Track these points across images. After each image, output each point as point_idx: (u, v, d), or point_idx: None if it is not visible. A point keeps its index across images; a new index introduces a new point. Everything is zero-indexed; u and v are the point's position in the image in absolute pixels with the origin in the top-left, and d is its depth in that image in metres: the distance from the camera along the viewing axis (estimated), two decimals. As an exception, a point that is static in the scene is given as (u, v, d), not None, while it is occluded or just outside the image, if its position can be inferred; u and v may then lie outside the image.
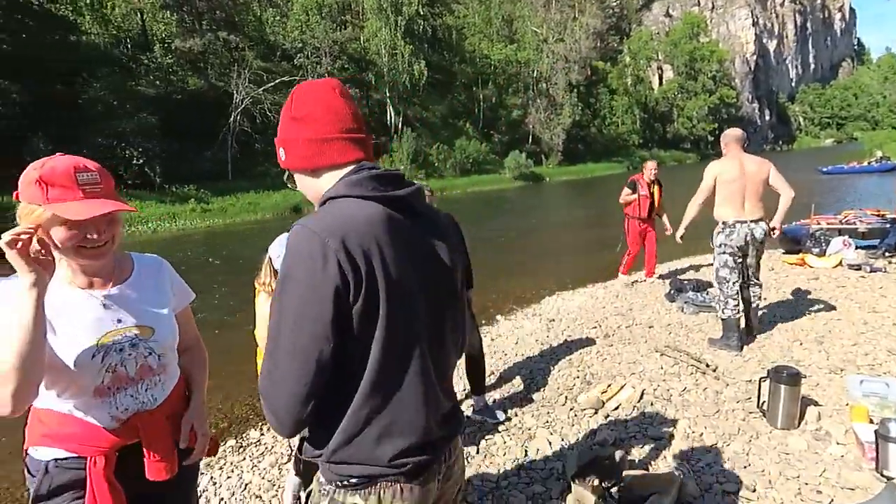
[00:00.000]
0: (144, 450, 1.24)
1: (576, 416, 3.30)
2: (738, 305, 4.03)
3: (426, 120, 45.34)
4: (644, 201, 6.12)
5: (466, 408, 3.48)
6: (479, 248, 10.88)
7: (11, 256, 1.00)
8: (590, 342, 4.69)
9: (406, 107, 42.31)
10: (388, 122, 41.20)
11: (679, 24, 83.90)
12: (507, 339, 5.06)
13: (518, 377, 4.02)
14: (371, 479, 0.95)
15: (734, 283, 4.01)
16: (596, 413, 3.30)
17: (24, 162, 1.15)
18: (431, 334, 1.01)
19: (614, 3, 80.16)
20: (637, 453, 2.81)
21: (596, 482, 2.48)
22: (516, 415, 3.40)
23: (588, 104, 61.05)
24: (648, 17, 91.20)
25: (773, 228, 4.06)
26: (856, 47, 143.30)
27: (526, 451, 2.92)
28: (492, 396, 3.71)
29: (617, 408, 3.35)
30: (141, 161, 22.23)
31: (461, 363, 3.53)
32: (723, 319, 4.06)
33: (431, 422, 1.00)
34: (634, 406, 3.34)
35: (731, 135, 4.15)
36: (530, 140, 51.08)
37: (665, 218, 6.33)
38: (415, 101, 44.45)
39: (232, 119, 29.72)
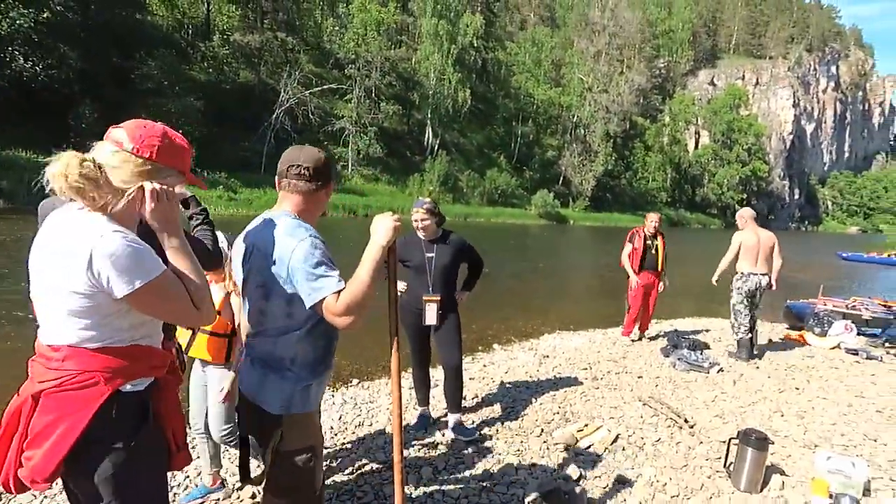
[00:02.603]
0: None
1: (548, 448, 3.32)
2: (749, 330, 5.54)
3: (462, 146, 46.06)
4: (636, 253, 5.99)
5: (442, 423, 3.53)
6: (492, 278, 10.96)
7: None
8: (577, 382, 4.69)
9: (445, 130, 43.12)
10: (425, 143, 41.98)
11: (722, 93, 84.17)
12: (499, 368, 5.09)
13: (500, 404, 4.05)
14: None
15: (745, 314, 5.51)
16: (568, 449, 3.31)
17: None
18: None
19: (662, 65, 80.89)
20: (598, 493, 2.81)
21: (554, 512, 2.52)
22: (490, 438, 3.43)
23: (622, 156, 61.31)
24: (693, 82, 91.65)
25: (772, 281, 5.59)
26: (892, 142, 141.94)
27: (491, 474, 2.94)
28: (470, 417, 3.74)
29: (589, 447, 3.36)
30: (178, 142, 23.36)
31: (440, 378, 3.58)
32: (738, 339, 5.59)
33: None
34: (606, 448, 3.34)
35: (749, 213, 5.77)
36: (560, 181, 51.39)
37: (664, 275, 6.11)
38: (454, 126, 45.31)
39: (275, 115, 30.58)
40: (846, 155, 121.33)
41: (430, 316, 3.23)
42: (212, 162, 23.55)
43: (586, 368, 5.13)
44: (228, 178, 24.46)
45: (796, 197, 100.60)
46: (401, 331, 3.42)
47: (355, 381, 4.52)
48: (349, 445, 3.23)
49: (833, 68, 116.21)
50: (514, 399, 4.17)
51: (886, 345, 6.43)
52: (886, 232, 66.07)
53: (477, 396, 4.20)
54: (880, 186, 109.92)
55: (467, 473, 2.94)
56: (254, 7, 37.36)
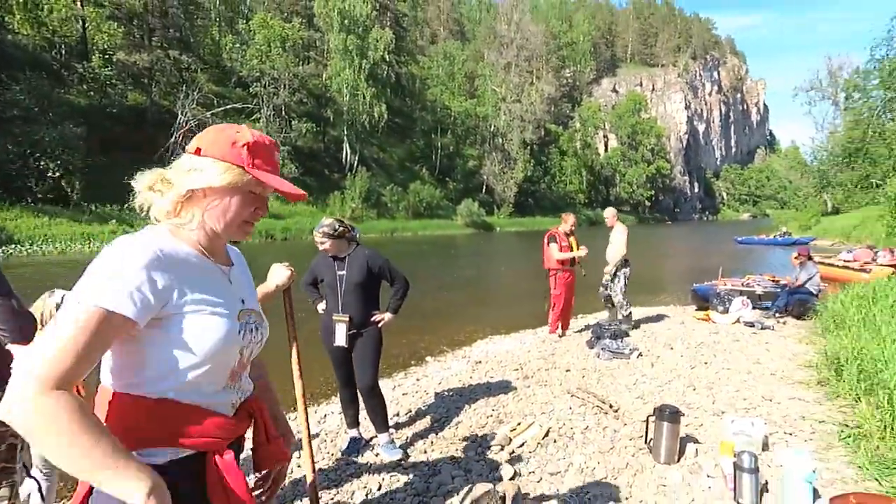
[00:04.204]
0: (258, 437, 1.21)
1: (483, 452, 3.37)
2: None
3: (383, 161, 46.04)
4: (567, 248, 6.35)
5: (370, 445, 3.48)
6: (422, 290, 10.98)
7: None
8: (509, 383, 4.82)
9: (363, 146, 42.85)
10: (344, 160, 41.48)
11: (624, 99, 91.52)
12: (433, 380, 5.10)
13: (433, 415, 4.06)
14: None
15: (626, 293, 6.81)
16: (502, 449, 3.39)
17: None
18: None
19: (568, 74, 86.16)
20: (533, 487, 2.91)
21: (488, 511, 2.56)
22: (424, 452, 3.43)
23: (540, 162, 64.35)
24: (598, 89, 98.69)
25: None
26: (768, 137, 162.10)
27: (428, 486, 2.94)
28: (404, 433, 3.72)
29: (522, 444, 3.45)
30: (57, 174, 20.54)
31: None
32: (628, 314, 6.73)
33: None
34: (539, 443, 3.46)
35: (614, 212, 6.88)
36: (484, 190, 52.83)
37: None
38: (372, 141, 45.19)
39: (173, 140, 28.78)
40: (733, 150, 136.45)
41: (339, 336, 3.17)
42: (101, 195, 21.42)
43: (517, 369, 5.29)
44: (122, 211, 22.47)
45: (696, 190, 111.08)
46: (324, 351, 3.36)
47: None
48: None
49: (715, 73, 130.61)
50: (448, 408, 4.21)
51: (776, 315, 7.28)
52: (772, 216, 74.86)
53: (411, 411, 4.18)
54: (763, 176, 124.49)
55: (402, 492, 2.91)
56: (139, 24, 35.09)
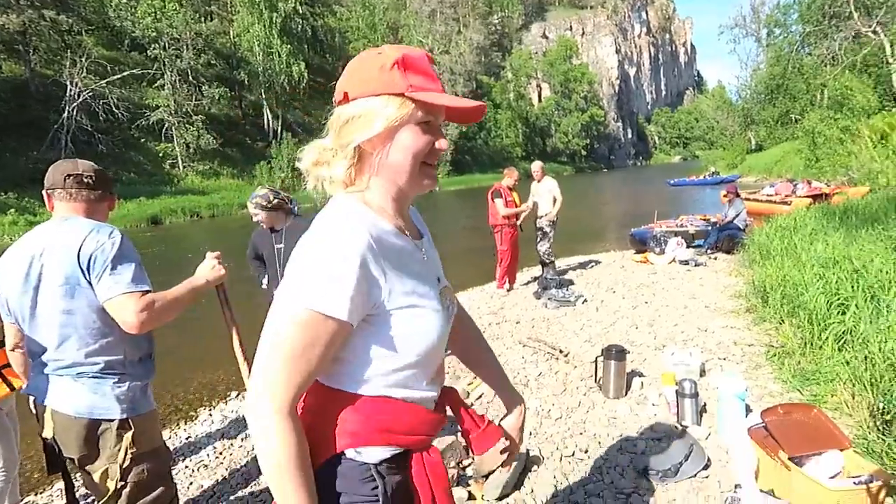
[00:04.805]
0: (463, 426, 1.10)
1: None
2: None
3: (309, 126, 44.16)
4: (512, 203, 6.54)
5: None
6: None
7: None
8: (461, 340, 5.00)
9: (285, 111, 40.89)
10: (266, 127, 39.53)
11: (555, 45, 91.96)
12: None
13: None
14: None
15: None
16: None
17: None
18: None
19: (496, 20, 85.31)
20: (494, 435, 3.10)
21: (452, 464, 2.72)
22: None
23: (474, 116, 64.10)
24: (528, 36, 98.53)
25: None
26: (696, 78, 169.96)
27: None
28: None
29: (480, 396, 3.64)
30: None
31: None
32: (552, 261, 6.99)
33: None
34: (495, 394, 3.65)
35: (540, 164, 7.00)
36: (418, 150, 52.26)
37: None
38: (295, 105, 43.16)
39: (66, 115, 26.23)
40: (663, 93, 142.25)
41: None
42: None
43: (468, 326, 5.47)
44: (20, 199, 20.53)
45: (630, 136, 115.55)
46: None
47: (234, 393, 4.29)
48: (242, 461, 3.09)
49: (643, 14, 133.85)
50: (403, 371, 4.33)
51: (708, 252, 7.92)
52: (702, 157, 79.54)
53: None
54: (692, 118, 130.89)
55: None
56: (3, -20, 30.97)
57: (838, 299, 3.94)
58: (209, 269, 1.84)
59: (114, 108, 28.10)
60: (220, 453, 3.20)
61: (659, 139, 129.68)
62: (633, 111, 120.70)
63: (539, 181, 6.83)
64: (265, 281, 3.36)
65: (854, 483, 2.00)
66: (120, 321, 1.49)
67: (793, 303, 4.25)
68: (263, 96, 39.47)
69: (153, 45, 32.53)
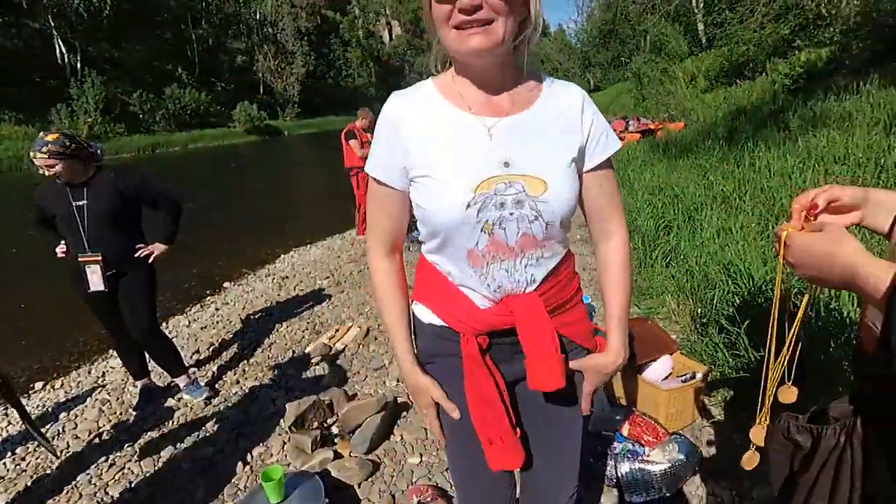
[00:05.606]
0: (521, 343, 0.98)
1: (303, 367, 3.32)
2: None
3: (121, 61, 37.86)
4: (368, 145, 6.30)
5: (176, 388, 3.14)
6: (206, 212, 9.87)
7: None
8: (321, 292, 4.76)
9: (87, 42, 34.31)
10: (61, 62, 32.87)
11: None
12: (235, 306, 4.75)
13: (242, 342, 3.83)
14: None
15: None
16: (323, 359, 3.37)
17: None
18: None
19: (338, -52, 79.49)
20: (359, 387, 2.99)
21: (315, 425, 2.56)
22: (237, 382, 3.23)
23: (322, 55, 60.18)
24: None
25: None
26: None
27: (248, 417, 2.79)
28: (209, 370, 3.43)
29: (343, 349, 3.49)
30: None
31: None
32: None
33: None
34: (360, 344, 3.53)
35: None
36: (262, 90, 47.92)
37: None
38: (99, 36, 36.37)
39: None
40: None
41: (95, 281, 2.64)
42: None
43: (328, 276, 5.23)
44: None
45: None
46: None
47: (38, 384, 3.59)
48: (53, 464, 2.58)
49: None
50: (258, 332, 4.00)
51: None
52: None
53: (214, 344, 3.87)
54: (538, 60, 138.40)
55: (218, 429, 2.72)
56: None
57: (664, 222, 4.45)
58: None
59: None
60: (24, 459, 2.65)
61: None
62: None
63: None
64: (61, 248, 2.73)
65: (681, 381, 2.27)
66: None
67: (629, 227, 4.70)
68: (52, 25, 32.51)
69: None
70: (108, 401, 3.16)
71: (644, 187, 5.67)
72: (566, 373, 1.01)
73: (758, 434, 0.92)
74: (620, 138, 11.89)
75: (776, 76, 10.27)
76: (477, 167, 0.90)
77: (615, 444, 2.00)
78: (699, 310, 3.05)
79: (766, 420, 0.91)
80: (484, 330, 0.99)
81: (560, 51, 56.97)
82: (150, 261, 2.81)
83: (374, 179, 0.98)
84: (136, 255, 2.76)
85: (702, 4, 22.24)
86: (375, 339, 3.60)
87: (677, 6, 24.33)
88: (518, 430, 1.04)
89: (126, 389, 3.27)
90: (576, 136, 0.97)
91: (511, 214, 0.91)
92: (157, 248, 2.84)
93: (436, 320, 1.03)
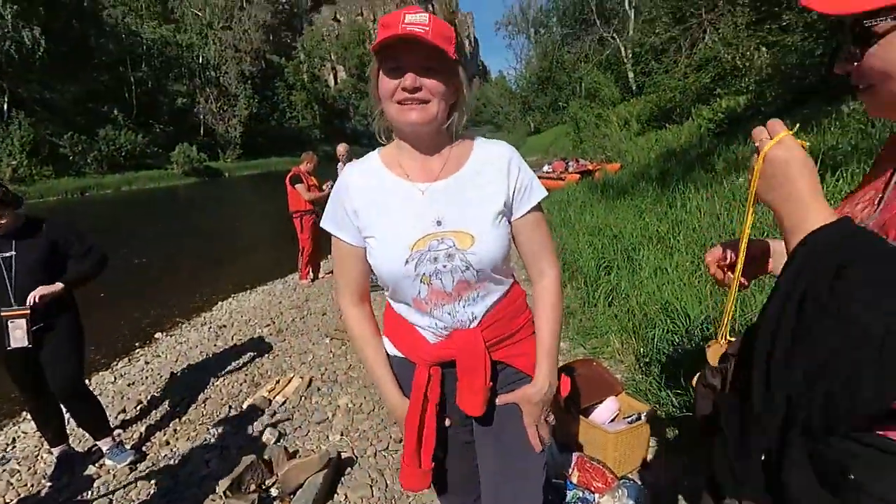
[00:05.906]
0: (458, 373, 1.12)
1: (241, 423, 3.11)
2: None
3: (52, 102, 36.13)
4: (315, 188, 6.17)
5: (98, 453, 2.86)
6: (137, 257, 9.35)
7: None
8: (261, 341, 4.54)
9: (16, 84, 32.60)
10: (-17, 102, 31.01)
11: (347, 29, 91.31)
12: (166, 359, 4.44)
13: (174, 399, 3.57)
14: None
15: None
16: (263, 413, 3.19)
17: None
18: None
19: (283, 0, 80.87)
20: (301, 442, 2.82)
21: (252, 487, 2.38)
22: (167, 443, 2.98)
23: (266, 97, 59.95)
24: (318, 18, 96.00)
25: None
26: (480, 67, 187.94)
27: (177, 480, 2.57)
28: (136, 431, 3.16)
29: (284, 402, 3.31)
30: None
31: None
32: None
33: None
34: (302, 395, 3.37)
35: (346, 147, 6.47)
36: (202, 132, 46.86)
37: None
38: (30, 77, 34.70)
39: None
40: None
41: (18, 336, 2.39)
42: None
43: (269, 324, 5.02)
44: None
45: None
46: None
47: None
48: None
49: (430, 6, 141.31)
50: (191, 386, 3.74)
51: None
52: (490, 139, 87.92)
53: (142, 402, 3.57)
54: (480, 103, 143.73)
55: (144, 498, 2.48)
56: None
57: (605, 262, 4.59)
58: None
59: None
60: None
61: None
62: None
63: (345, 164, 6.55)
64: None
65: (628, 423, 2.28)
66: None
67: (571, 268, 4.83)
68: (-22, 64, 30.89)
69: None
70: (18, 471, 2.83)
71: (584, 228, 5.86)
72: (506, 403, 1.17)
73: (713, 353, 0.90)
74: (561, 178, 12.37)
75: (701, 121, 11.07)
76: (413, 227, 1.04)
77: (566, 491, 1.97)
78: (641, 349, 3.11)
79: (724, 339, 0.91)
80: (434, 361, 1.12)
81: (501, 95, 59.48)
82: (38, 299, 2.43)
83: (333, 235, 1.13)
84: (33, 294, 2.42)
85: (630, 55, 23.96)
86: (318, 389, 3.44)
87: (608, 56, 26.15)
88: (428, 461, 1.15)
89: (40, 457, 2.95)
90: (502, 190, 1.08)
91: (444, 267, 1.04)
92: (52, 289, 2.47)
93: (397, 352, 1.18)
